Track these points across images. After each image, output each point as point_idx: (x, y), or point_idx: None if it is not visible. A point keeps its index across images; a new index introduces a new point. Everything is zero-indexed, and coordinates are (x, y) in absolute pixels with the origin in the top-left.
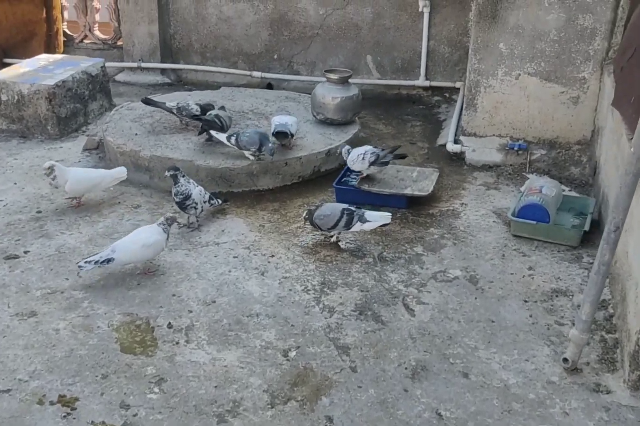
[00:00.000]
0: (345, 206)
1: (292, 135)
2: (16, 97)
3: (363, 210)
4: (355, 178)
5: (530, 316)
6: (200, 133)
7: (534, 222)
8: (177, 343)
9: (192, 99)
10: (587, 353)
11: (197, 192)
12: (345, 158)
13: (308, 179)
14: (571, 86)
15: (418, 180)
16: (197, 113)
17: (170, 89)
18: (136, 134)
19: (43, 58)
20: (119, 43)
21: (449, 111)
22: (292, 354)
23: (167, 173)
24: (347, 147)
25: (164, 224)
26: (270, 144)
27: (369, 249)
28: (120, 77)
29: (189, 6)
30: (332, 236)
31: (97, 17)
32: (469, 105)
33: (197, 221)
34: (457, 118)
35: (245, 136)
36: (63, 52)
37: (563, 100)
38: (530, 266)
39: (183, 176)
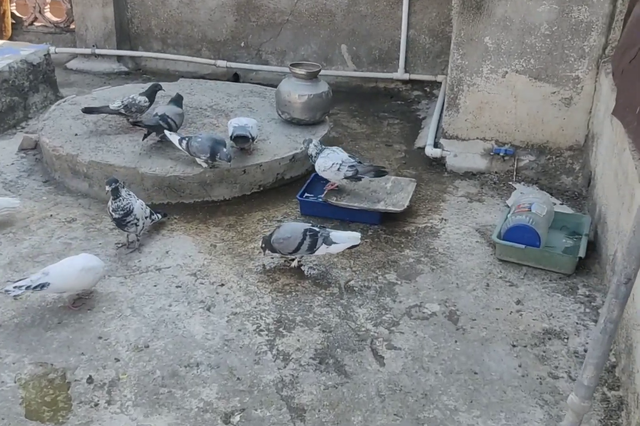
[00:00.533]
0: (308, 226)
1: (253, 138)
2: None
3: (328, 230)
4: (324, 183)
5: (520, 365)
6: (144, 138)
7: (523, 246)
8: (97, 404)
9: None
10: (587, 418)
11: (139, 206)
12: (310, 154)
13: (270, 188)
14: (563, 85)
15: (392, 192)
16: (147, 104)
17: (127, 79)
18: (76, 135)
19: None
20: (72, 26)
21: (429, 108)
22: (235, 419)
23: (107, 188)
24: (314, 142)
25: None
26: (225, 149)
27: (334, 275)
28: (72, 64)
29: None
30: (293, 260)
31: None
32: (450, 105)
33: (138, 240)
34: (437, 118)
35: (196, 142)
36: (11, 36)
37: (554, 101)
38: (518, 300)
39: (123, 188)
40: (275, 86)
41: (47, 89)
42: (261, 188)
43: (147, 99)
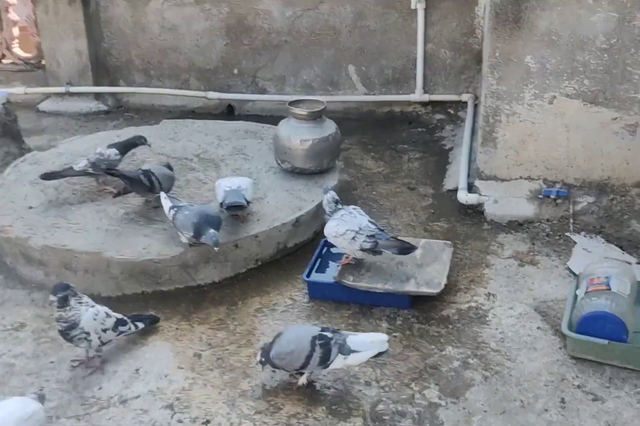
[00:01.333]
0: (316, 331)
1: (249, 203)
2: None
3: (344, 334)
4: (337, 255)
5: None
6: (116, 195)
7: (606, 342)
8: None
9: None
10: None
11: (90, 317)
12: (327, 211)
13: (269, 261)
14: (627, 109)
15: (424, 263)
16: (118, 157)
17: (108, 118)
18: (30, 208)
19: None
20: (44, 62)
21: (456, 135)
22: None
23: (52, 297)
24: (329, 196)
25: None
26: (211, 231)
27: (356, 396)
28: (45, 105)
29: (123, 14)
30: (301, 374)
31: (16, 31)
32: (486, 139)
33: (99, 356)
34: (467, 151)
35: (182, 214)
36: None
37: (615, 129)
38: (608, 425)
39: (75, 295)
40: (275, 119)
41: (8, 143)
42: (259, 263)
43: (117, 152)
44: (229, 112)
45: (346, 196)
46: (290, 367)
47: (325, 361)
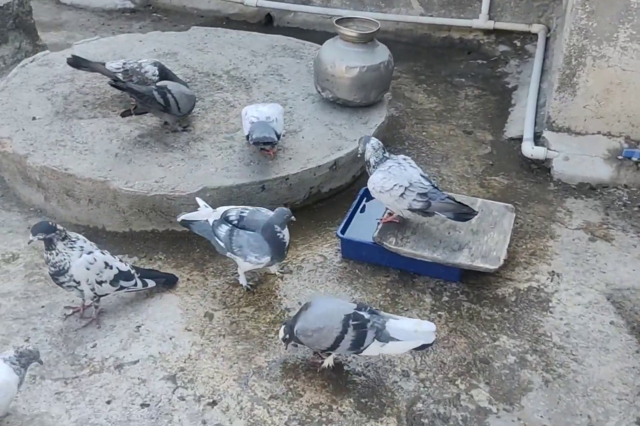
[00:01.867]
0: (351, 308)
1: (279, 137)
2: None
3: (384, 316)
4: (381, 213)
5: None
6: (125, 113)
7: None
8: None
9: (148, 55)
10: None
11: (81, 265)
12: (367, 160)
13: (300, 207)
14: None
15: (480, 230)
16: (155, 78)
17: (133, 18)
18: (34, 119)
19: None
20: None
21: (522, 72)
22: None
23: (31, 237)
24: (373, 143)
25: (15, 363)
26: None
27: (390, 389)
28: None
29: None
30: (326, 356)
31: None
32: (563, 84)
33: (97, 306)
34: (535, 94)
35: (241, 237)
36: None
37: None
38: None
39: (64, 238)
40: (318, 35)
41: (21, 37)
42: (288, 208)
43: (157, 72)
44: (267, 22)
45: (392, 135)
46: (316, 346)
47: (358, 345)
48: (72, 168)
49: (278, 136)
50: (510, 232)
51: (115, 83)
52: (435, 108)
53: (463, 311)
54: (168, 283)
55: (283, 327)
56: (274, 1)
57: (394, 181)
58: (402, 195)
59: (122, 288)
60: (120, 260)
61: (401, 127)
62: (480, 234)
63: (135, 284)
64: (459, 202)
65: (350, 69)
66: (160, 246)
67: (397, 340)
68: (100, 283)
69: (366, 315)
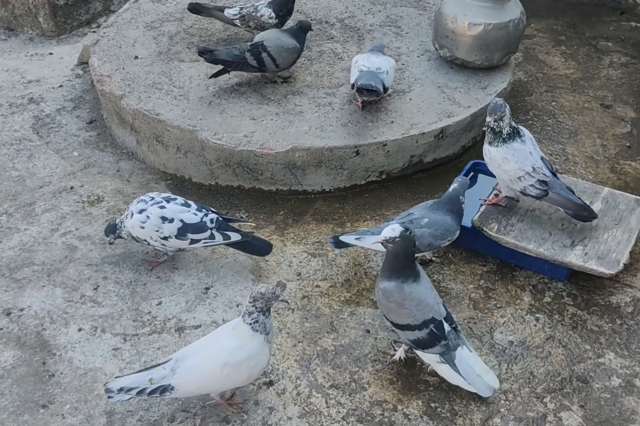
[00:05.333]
0: (441, 313)
1: (386, 89)
2: None
3: (460, 340)
4: (487, 192)
5: None
6: (213, 76)
7: None
8: None
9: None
10: None
11: (135, 224)
12: (499, 130)
13: (397, 176)
14: None
15: (601, 226)
16: (273, 21)
17: None
18: (136, 57)
19: None
20: None
21: None
22: None
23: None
24: (508, 112)
25: (255, 319)
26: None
27: (465, 396)
28: None
29: None
30: (399, 346)
31: None
32: None
33: (167, 254)
34: None
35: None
36: None
37: None
38: None
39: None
40: None
41: None
42: (383, 176)
43: (273, 15)
44: None
45: (516, 102)
46: (384, 309)
47: (419, 346)
48: (163, 114)
49: (385, 89)
50: (638, 231)
51: (203, 53)
52: (571, 75)
53: (566, 317)
54: (246, 236)
55: (401, 230)
56: None
57: (517, 165)
58: (520, 178)
59: (194, 241)
60: (210, 210)
61: (528, 94)
62: (600, 230)
63: (213, 237)
64: (579, 200)
65: (473, 26)
66: (244, 204)
67: (455, 369)
68: (165, 238)
69: (447, 328)
